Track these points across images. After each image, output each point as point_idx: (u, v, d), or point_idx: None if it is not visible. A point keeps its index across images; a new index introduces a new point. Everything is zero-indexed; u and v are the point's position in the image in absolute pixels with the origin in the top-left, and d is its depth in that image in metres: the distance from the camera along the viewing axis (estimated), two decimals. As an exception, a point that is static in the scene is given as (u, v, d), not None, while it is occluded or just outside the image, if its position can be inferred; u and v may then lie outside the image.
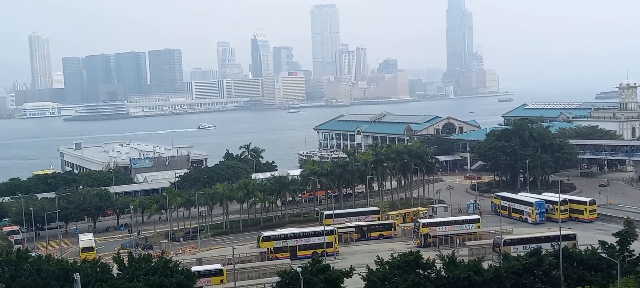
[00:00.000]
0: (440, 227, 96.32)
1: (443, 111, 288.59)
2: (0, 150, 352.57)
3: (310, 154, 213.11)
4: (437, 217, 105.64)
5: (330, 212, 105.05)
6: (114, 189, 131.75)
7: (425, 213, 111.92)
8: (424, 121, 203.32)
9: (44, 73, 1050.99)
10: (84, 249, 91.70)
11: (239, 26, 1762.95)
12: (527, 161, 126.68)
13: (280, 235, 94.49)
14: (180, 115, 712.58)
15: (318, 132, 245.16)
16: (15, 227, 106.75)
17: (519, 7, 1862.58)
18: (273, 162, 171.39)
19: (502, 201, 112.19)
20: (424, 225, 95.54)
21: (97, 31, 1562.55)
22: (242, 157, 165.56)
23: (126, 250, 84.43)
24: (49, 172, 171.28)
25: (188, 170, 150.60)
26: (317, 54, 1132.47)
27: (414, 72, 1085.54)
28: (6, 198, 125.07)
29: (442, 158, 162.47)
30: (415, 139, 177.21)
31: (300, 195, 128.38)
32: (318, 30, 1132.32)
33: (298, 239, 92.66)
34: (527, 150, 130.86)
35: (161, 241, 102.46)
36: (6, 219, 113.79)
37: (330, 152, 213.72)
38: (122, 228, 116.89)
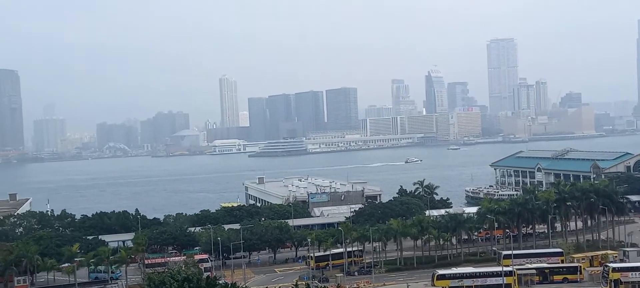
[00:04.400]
0: (633, 273, 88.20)
1: (635, 147, 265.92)
2: (192, 183, 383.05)
3: (477, 191, 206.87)
4: (629, 262, 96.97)
5: (509, 252, 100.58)
6: (293, 222, 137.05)
7: (616, 257, 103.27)
8: (613, 158, 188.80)
9: (231, 112, 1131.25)
10: None
11: (413, 64, 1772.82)
12: None
13: (456, 274, 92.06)
14: (354, 151, 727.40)
15: (495, 169, 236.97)
16: (205, 256, 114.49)
17: None
18: (447, 198, 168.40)
19: None
20: (614, 269, 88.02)
21: (280, 73, 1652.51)
22: (416, 193, 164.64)
23: (304, 282, 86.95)
24: (235, 204, 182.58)
25: (362, 205, 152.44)
26: (493, 88, 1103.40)
27: (599, 105, 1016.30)
28: (197, 228, 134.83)
29: (633, 198, 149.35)
30: (603, 176, 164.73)
31: (476, 233, 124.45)
32: (495, 64, 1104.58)
33: (474, 279, 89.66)
34: None
35: (337, 275, 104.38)
36: (197, 248, 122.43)
37: (507, 189, 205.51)
38: (300, 261, 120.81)
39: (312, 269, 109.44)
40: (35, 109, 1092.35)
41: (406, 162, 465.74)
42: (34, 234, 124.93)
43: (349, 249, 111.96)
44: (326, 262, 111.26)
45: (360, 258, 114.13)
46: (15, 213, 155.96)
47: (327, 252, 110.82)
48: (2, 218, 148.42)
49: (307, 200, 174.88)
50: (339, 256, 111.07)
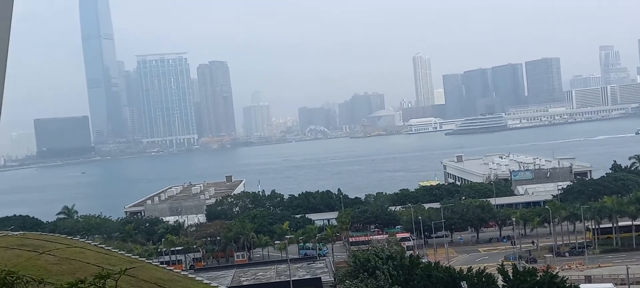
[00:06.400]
0: None
1: None
2: (390, 163, 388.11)
3: None
4: None
5: None
6: (494, 201, 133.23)
7: None
8: None
9: (426, 91, 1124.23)
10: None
11: (624, 27, 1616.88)
12: None
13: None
14: (560, 126, 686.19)
15: None
16: (407, 234, 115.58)
17: None
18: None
19: None
20: None
21: (474, 46, 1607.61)
22: (633, 168, 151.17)
23: (510, 263, 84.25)
24: (433, 183, 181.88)
25: (571, 183, 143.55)
26: None
27: None
28: (397, 207, 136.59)
29: None
30: None
31: None
32: None
33: None
34: None
35: (545, 255, 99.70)
36: (398, 227, 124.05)
37: None
38: (504, 240, 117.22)
39: (519, 248, 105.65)
40: (244, 96, 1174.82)
41: (637, 133, 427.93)
42: (249, 213, 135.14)
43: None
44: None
45: None
46: (232, 194, 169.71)
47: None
48: (221, 198, 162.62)
49: (509, 178, 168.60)
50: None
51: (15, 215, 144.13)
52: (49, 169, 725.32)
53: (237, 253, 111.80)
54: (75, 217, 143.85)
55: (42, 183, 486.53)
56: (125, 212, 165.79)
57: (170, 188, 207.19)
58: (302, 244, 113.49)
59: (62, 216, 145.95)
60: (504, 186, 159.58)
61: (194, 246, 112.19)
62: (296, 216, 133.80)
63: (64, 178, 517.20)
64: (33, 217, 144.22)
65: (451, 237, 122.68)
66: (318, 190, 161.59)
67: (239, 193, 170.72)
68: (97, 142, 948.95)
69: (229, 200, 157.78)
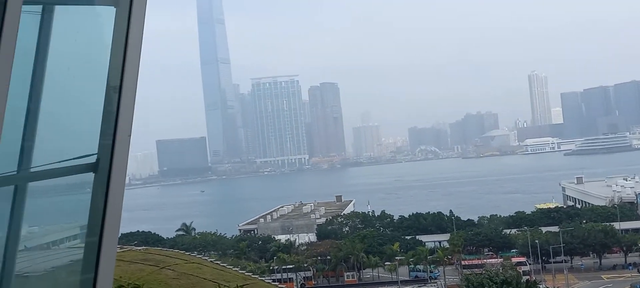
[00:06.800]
0: None
1: None
2: (505, 184, 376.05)
3: None
4: None
5: None
6: (619, 225, 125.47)
7: None
8: None
9: (542, 109, 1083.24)
10: None
11: None
12: None
13: None
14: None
15: None
16: (523, 259, 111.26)
17: None
18: None
19: None
20: None
21: (594, 64, 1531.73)
22: None
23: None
24: (551, 205, 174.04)
25: None
26: None
27: None
28: (512, 230, 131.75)
29: None
30: None
31: None
32: None
33: None
34: None
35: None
36: (514, 251, 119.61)
37: None
38: (630, 267, 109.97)
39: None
40: (353, 117, 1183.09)
41: None
42: (359, 233, 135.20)
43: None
44: None
45: None
46: (342, 214, 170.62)
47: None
48: (331, 218, 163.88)
49: (635, 201, 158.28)
50: None
51: (138, 230, 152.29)
52: (170, 188, 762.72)
53: (347, 273, 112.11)
54: (193, 234, 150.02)
55: (163, 201, 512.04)
56: (239, 229, 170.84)
57: (282, 207, 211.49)
58: (412, 266, 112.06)
59: (180, 233, 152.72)
60: (629, 210, 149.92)
61: (305, 265, 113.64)
62: (406, 237, 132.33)
63: (184, 196, 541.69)
64: (154, 233, 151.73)
65: (571, 263, 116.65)
66: (429, 211, 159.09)
67: (349, 213, 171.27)
68: (214, 162, 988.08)
69: (339, 220, 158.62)
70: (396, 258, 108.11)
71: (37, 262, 7.28)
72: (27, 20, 5.57)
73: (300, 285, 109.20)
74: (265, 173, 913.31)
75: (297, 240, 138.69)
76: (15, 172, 6.31)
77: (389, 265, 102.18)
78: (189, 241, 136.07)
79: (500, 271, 78.90)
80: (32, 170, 6.38)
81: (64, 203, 7.40)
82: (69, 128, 6.84)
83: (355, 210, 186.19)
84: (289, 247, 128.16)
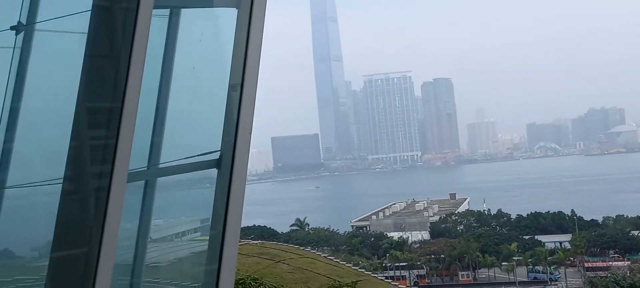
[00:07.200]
0: None
1: None
2: (632, 182, 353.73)
3: None
4: None
5: None
6: None
7: None
8: None
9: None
10: None
11: None
12: None
13: None
14: None
15: None
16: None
17: None
18: None
19: None
20: None
21: None
22: None
23: None
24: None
25: None
26: None
27: None
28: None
29: None
30: None
31: None
32: None
33: None
34: None
35: None
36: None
37: None
38: None
39: None
40: (468, 113, 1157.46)
41: None
42: (474, 232, 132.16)
43: None
44: None
45: None
46: (456, 212, 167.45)
47: None
48: (444, 216, 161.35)
49: None
50: None
51: (254, 225, 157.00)
52: (284, 184, 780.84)
53: (462, 273, 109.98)
54: (306, 229, 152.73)
55: (277, 196, 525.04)
56: (352, 226, 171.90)
57: (394, 204, 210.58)
58: (531, 267, 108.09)
59: (294, 228, 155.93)
60: None
61: (418, 263, 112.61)
62: (524, 237, 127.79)
63: (298, 192, 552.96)
64: (269, 227, 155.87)
65: None
66: (549, 211, 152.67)
67: (463, 211, 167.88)
68: (326, 158, 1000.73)
69: (453, 218, 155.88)
70: (513, 258, 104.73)
71: (165, 253, 7.67)
72: (156, 23, 5.87)
73: (414, 283, 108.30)
74: (377, 170, 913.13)
75: (410, 238, 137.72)
76: (145, 168, 6.66)
77: (506, 265, 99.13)
78: (302, 236, 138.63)
79: (628, 274, 74.23)
80: (160, 166, 6.72)
81: (189, 198, 7.74)
82: (194, 125, 7.15)
83: (470, 209, 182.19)
84: (401, 244, 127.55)
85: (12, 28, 5.81)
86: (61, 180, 5.60)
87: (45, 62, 6.14)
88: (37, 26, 5.90)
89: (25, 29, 5.84)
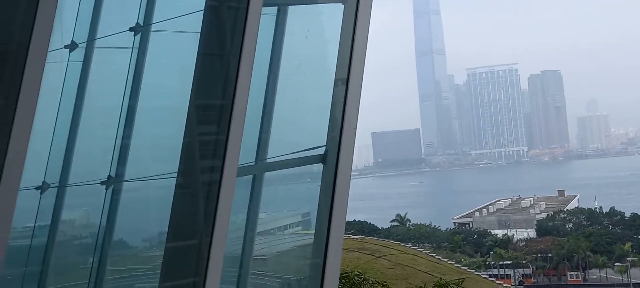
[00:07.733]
0: None
1: None
2: None
3: None
4: None
5: None
6: None
7: None
8: None
9: None
10: None
11: None
12: None
13: None
14: None
15: None
16: None
17: None
18: None
19: None
20: None
21: None
22: None
23: None
24: None
25: None
26: None
27: None
28: None
29: None
30: None
31: None
32: None
33: None
34: None
35: None
36: None
37: None
38: None
39: None
40: (578, 106, 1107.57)
41: None
42: (584, 231, 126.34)
43: None
44: None
45: None
46: (565, 209, 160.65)
47: None
48: (552, 213, 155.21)
49: None
50: None
51: (354, 220, 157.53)
52: (384, 179, 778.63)
53: (571, 273, 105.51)
54: (407, 225, 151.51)
55: (379, 191, 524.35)
56: (454, 222, 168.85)
57: (499, 201, 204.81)
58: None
59: (395, 223, 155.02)
60: None
61: (523, 261, 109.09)
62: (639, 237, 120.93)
63: (398, 187, 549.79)
64: (370, 222, 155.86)
65: None
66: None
67: (572, 209, 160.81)
68: (427, 153, 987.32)
69: (562, 216, 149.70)
70: (627, 259, 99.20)
71: (273, 245, 7.84)
72: (264, 21, 5.98)
73: (519, 282, 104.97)
74: (481, 165, 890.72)
75: (515, 236, 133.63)
76: (253, 163, 6.83)
77: (619, 266, 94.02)
78: (403, 232, 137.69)
79: None
80: (268, 161, 6.87)
81: (295, 192, 7.87)
82: (300, 121, 7.26)
83: (580, 206, 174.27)
84: (506, 242, 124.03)
85: (130, 29, 6.12)
86: (175, 175, 5.84)
87: (160, 61, 6.43)
88: (153, 27, 6.17)
89: (142, 30, 6.13)
